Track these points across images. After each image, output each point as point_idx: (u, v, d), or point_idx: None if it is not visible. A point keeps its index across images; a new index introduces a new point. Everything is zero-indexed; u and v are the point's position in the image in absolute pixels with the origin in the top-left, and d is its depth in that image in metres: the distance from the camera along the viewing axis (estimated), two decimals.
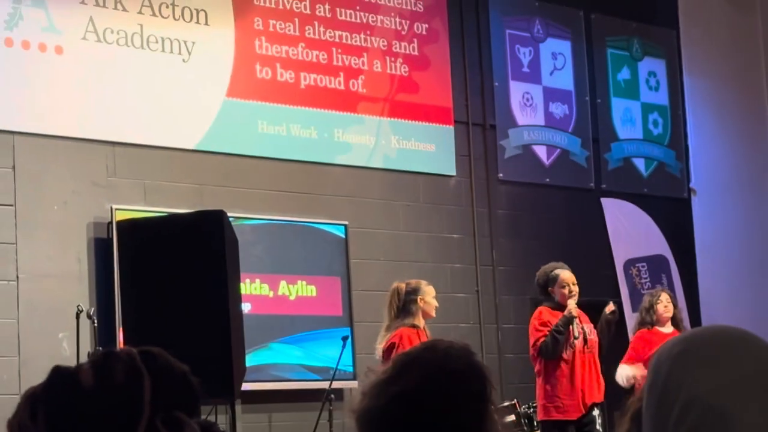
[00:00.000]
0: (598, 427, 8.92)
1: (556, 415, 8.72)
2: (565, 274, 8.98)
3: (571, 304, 8.78)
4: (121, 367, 1.64)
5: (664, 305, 9.52)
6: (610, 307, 9.30)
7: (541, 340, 8.70)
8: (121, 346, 8.25)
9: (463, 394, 2.65)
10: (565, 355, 8.74)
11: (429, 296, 8.56)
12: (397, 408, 2.61)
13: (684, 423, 1.63)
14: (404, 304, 8.48)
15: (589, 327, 8.92)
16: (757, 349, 1.70)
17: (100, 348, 8.25)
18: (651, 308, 9.58)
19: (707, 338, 1.73)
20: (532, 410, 9.49)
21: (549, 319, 8.78)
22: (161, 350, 1.67)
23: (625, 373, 9.25)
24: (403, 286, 8.60)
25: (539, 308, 8.97)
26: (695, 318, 12.15)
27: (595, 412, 8.86)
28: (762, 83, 13.23)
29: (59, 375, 1.63)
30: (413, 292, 8.53)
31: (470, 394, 2.66)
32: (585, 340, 8.77)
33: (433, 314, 8.56)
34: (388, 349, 8.09)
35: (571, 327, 8.71)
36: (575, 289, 8.90)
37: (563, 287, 8.89)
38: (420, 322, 8.42)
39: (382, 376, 2.69)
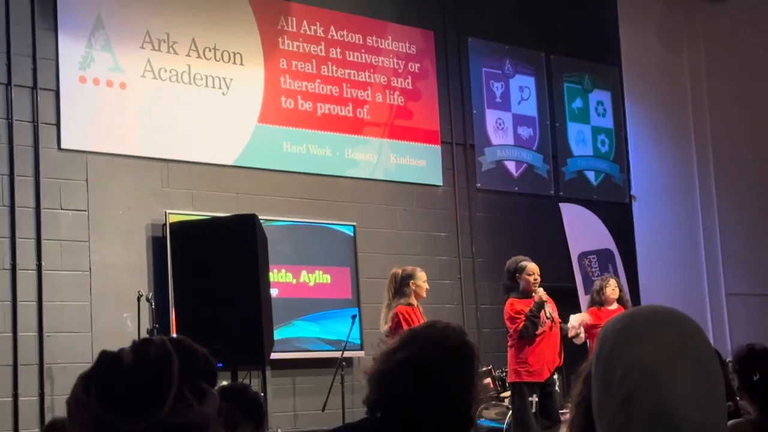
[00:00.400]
0: (557, 388, 8.92)
1: (527, 378, 8.70)
2: (531, 265, 8.93)
3: (540, 291, 8.74)
4: (154, 349, 1.63)
5: (612, 288, 9.52)
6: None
7: (521, 325, 8.66)
8: (174, 324, 8.26)
9: (455, 364, 2.67)
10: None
11: (421, 280, 8.53)
12: (402, 372, 2.64)
13: (625, 385, 1.61)
14: (400, 287, 8.46)
15: (552, 306, 8.88)
16: (683, 325, 1.69)
17: (157, 325, 8.28)
18: (601, 290, 9.58)
19: (643, 316, 1.72)
20: (504, 374, 9.47)
21: (521, 308, 8.73)
22: (186, 337, 1.68)
23: (574, 318, 9.32)
24: (399, 271, 8.59)
25: (509, 300, 8.87)
26: (636, 300, 12.13)
27: (555, 376, 8.85)
28: (688, 108, 13.23)
29: (105, 356, 1.64)
30: (408, 277, 8.50)
31: (461, 364, 2.69)
32: (552, 319, 8.76)
33: (424, 295, 8.52)
34: (394, 327, 8.08)
35: (543, 311, 8.68)
36: (539, 277, 8.87)
37: (529, 275, 8.83)
38: (413, 301, 8.38)
39: (390, 346, 2.74)
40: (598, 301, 9.49)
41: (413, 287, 8.42)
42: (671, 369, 1.61)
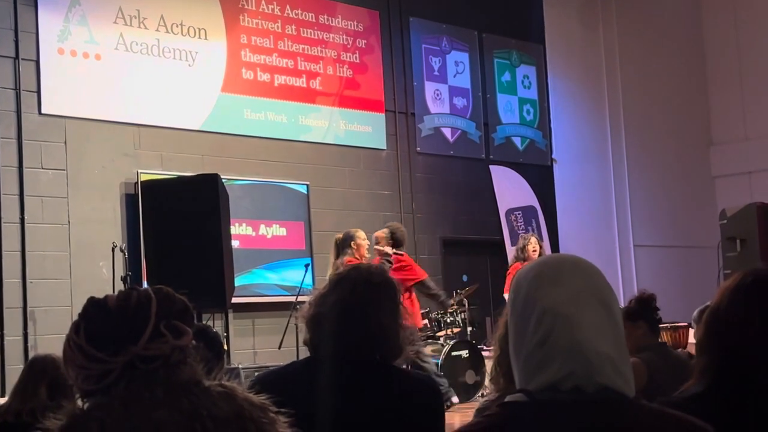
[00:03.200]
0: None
1: None
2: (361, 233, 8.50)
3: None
4: (136, 294, 1.69)
5: (533, 246, 9.56)
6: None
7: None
8: (145, 272, 8.21)
9: (382, 298, 2.67)
10: None
11: (360, 239, 8.45)
12: (335, 311, 2.62)
13: (540, 327, 1.62)
14: (342, 248, 8.39)
15: None
16: (587, 271, 1.70)
17: (130, 273, 8.22)
18: (523, 248, 9.63)
19: (552, 265, 1.72)
20: (440, 316, 9.55)
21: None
22: (167, 287, 1.73)
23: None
24: (340, 236, 8.51)
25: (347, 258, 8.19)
26: (555, 249, 12.27)
27: None
28: (603, 81, 13.33)
29: (91, 301, 1.70)
30: (348, 239, 8.41)
31: (387, 297, 2.68)
32: None
33: (366, 254, 8.44)
34: None
35: None
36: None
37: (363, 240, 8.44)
38: (357, 257, 8.25)
39: (322, 290, 2.72)
40: (522, 258, 9.54)
41: (354, 246, 8.37)
42: (580, 311, 1.62)
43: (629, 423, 1.60)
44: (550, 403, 1.59)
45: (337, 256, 8.37)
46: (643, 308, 4.69)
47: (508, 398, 1.67)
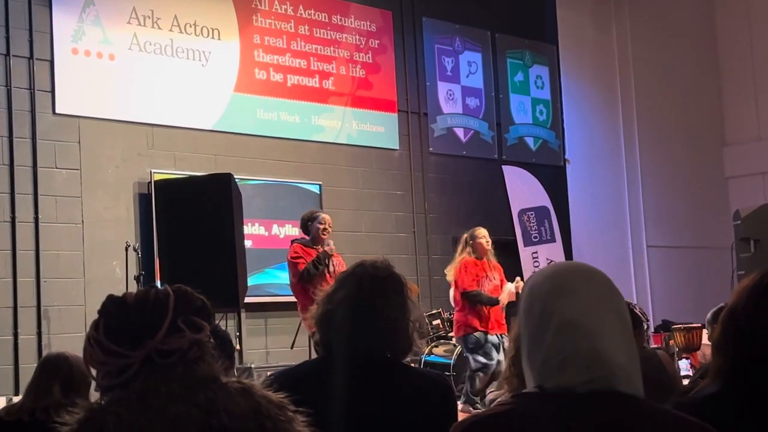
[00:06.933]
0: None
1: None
2: (324, 215, 8.22)
3: (331, 243, 8.03)
4: (154, 291, 1.72)
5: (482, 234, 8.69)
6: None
7: (303, 267, 7.89)
8: (158, 271, 8.22)
9: (389, 292, 2.66)
10: None
11: (479, 238, 8.44)
12: (343, 308, 2.62)
13: (560, 338, 1.64)
14: (464, 249, 8.48)
15: (339, 262, 8.00)
16: (600, 279, 1.72)
17: (143, 273, 8.24)
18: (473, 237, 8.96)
19: (565, 275, 1.73)
20: (452, 316, 9.53)
21: (302, 253, 7.96)
22: (186, 286, 1.76)
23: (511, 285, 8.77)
24: (466, 234, 8.52)
25: (293, 244, 8.12)
26: (568, 249, 12.26)
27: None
28: (616, 82, 13.29)
29: (111, 298, 1.73)
30: (467, 237, 8.46)
31: (394, 291, 2.68)
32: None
33: (321, 235, 8.06)
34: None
35: (329, 261, 7.93)
36: (329, 228, 8.11)
37: (320, 224, 8.06)
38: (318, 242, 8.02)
39: (329, 290, 2.72)
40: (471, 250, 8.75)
41: (471, 244, 8.39)
42: (598, 321, 1.64)
43: (638, 419, 1.61)
44: (562, 395, 1.61)
45: (460, 253, 8.47)
46: None
47: (523, 392, 1.68)
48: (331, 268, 7.81)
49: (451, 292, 8.82)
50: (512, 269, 11.04)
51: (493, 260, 8.54)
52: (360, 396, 2.55)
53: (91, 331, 1.68)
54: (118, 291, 1.84)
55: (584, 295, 1.66)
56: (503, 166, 12.40)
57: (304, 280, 7.76)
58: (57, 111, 8.79)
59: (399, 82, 11.46)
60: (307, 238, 8.15)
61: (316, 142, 10.58)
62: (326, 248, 7.93)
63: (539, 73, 13.10)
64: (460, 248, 8.59)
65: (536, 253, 12.21)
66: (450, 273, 8.57)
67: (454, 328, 8.62)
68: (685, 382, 5.50)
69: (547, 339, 1.65)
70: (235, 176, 8.12)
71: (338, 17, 10.99)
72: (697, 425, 1.67)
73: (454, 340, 9.39)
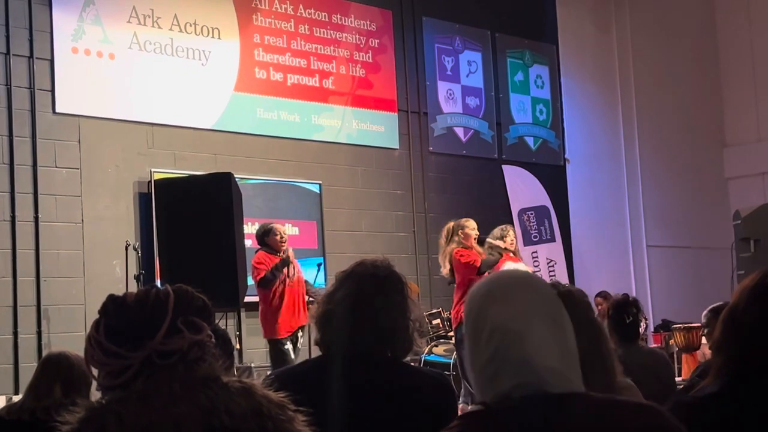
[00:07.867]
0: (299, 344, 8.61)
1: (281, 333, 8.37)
2: (278, 227, 8.54)
3: (290, 251, 8.33)
4: (154, 291, 1.71)
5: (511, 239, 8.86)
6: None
7: (264, 274, 8.23)
8: (158, 270, 8.22)
9: (389, 291, 2.67)
10: None
11: (469, 229, 8.48)
12: (344, 307, 2.62)
13: (491, 343, 1.69)
14: (450, 239, 8.48)
15: (296, 268, 8.43)
16: (536, 286, 1.78)
17: (143, 272, 8.23)
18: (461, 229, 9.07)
19: (501, 282, 1.78)
20: (450, 314, 9.52)
21: (266, 260, 8.29)
22: (187, 286, 1.76)
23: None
24: (451, 224, 8.57)
25: (258, 252, 8.44)
26: (567, 249, 12.27)
27: (300, 333, 8.48)
28: (616, 82, 13.31)
29: (111, 298, 1.73)
30: (456, 228, 8.49)
31: (394, 290, 2.68)
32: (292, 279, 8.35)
33: (474, 242, 8.46)
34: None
35: (287, 268, 8.27)
36: (285, 236, 8.51)
37: (275, 235, 8.41)
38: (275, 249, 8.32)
39: (329, 289, 2.73)
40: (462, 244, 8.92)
41: (462, 235, 8.41)
42: (528, 326, 1.69)
43: (577, 413, 1.66)
44: (502, 408, 1.66)
45: (447, 243, 8.47)
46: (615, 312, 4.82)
47: (468, 409, 1.76)
48: (291, 273, 8.24)
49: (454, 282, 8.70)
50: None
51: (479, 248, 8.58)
52: (360, 395, 2.55)
53: (91, 332, 1.68)
54: (118, 290, 1.84)
55: (515, 302, 1.72)
56: (503, 166, 12.40)
57: (262, 285, 8.18)
58: (57, 110, 8.79)
59: (399, 81, 11.45)
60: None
61: (316, 141, 10.58)
62: (283, 256, 8.25)
63: (539, 73, 13.10)
64: (445, 238, 8.58)
65: (536, 252, 12.21)
66: (445, 262, 8.51)
67: (453, 318, 8.61)
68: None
69: (481, 343, 1.70)
70: (235, 175, 8.13)
71: (338, 17, 10.99)
72: (645, 406, 1.71)
73: (453, 340, 9.38)
